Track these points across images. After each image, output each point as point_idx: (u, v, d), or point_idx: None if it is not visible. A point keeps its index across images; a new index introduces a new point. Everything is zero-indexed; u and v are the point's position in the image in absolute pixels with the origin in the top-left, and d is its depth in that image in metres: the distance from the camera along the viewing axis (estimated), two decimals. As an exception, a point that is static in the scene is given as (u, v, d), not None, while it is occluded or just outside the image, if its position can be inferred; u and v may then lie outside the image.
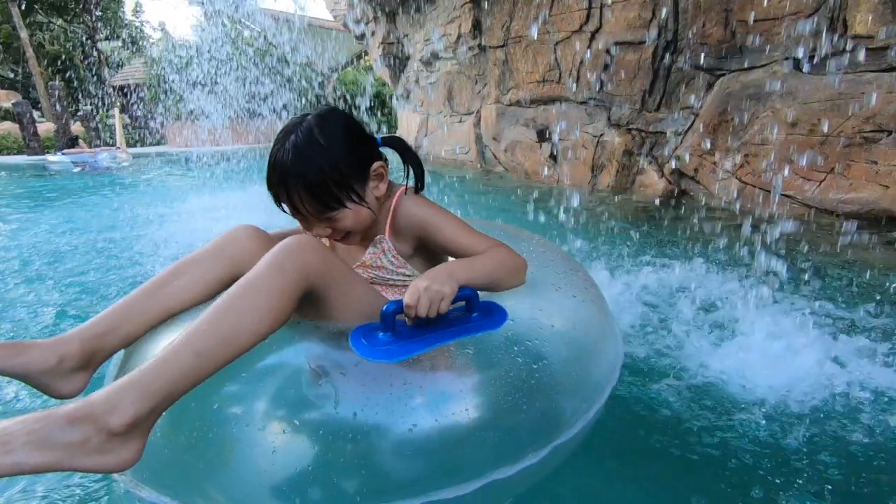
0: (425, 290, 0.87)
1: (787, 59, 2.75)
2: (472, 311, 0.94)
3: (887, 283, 1.93)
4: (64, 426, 0.66)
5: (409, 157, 1.12)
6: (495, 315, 0.93)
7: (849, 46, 2.50)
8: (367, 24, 8.16)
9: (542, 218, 3.08)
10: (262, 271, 0.83)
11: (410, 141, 7.86)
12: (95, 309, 1.96)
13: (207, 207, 4.29)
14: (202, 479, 0.77)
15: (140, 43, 19.06)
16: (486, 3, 4.91)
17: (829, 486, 0.98)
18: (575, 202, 3.38)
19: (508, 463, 0.83)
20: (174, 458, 0.79)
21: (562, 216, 3.08)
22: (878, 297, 1.81)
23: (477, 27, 5.13)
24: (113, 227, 3.73)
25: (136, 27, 19.72)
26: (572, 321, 1.03)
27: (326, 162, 0.98)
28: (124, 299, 0.94)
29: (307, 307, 0.89)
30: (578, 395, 0.95)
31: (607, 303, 1.22)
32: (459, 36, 5.37)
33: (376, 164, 1.05)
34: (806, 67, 2.67)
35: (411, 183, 1.11)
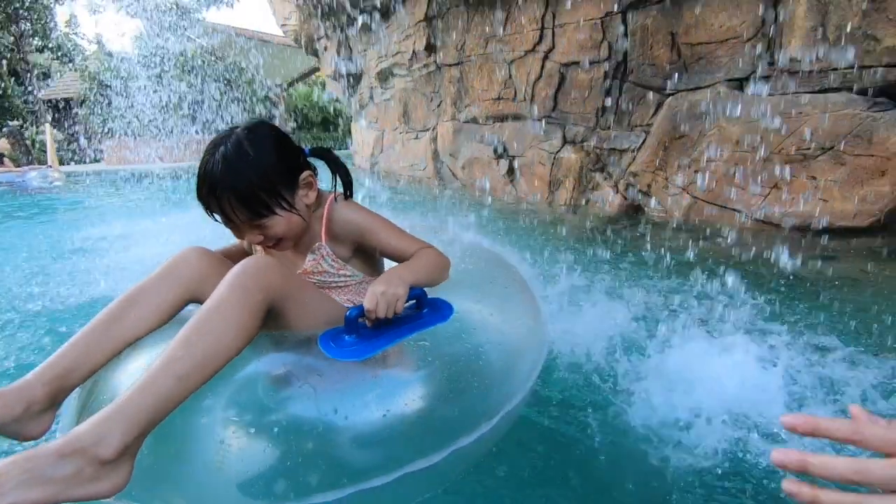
0: (382, 294, 0.97)
1: (729, 80, 2.89)
2: (423, 308, 1.06)
3: (830, 297, 2.03)
4: (55, 462, 0.69)
5: (337, 167, 1.20)
6: (443, 310, 1.06)
7: (786, 69, 2.65)
8: (318, 39, 8.06)
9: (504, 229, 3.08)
10: (226, 294, 0.87)
11: (367, 157, 7.81)
12: (23, 350, 1.77)
13: (150, 231, 4.01)
14: (183, 486, 0.82)
15: (74, 56, 18.05)
16: (440, 21, 4.94)
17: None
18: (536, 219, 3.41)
19: (466, 433, 0.96)
20: (158, 468, 0.84)
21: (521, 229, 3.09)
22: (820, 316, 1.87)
23: (431, 45, 5.15)
24: (43, 254, 3.42)
25: (70, 40, 18.67)
26: (505, 313, 1.20)
27: (256, 172, 1.03)
28: (81, 335, 0.95)
29: (269, 321, 0.94)
30: (513, 375, 1.10)
31: (535, 296, 1.38)
32: (414, 53, 5.37)
33: (305, 174, 1.12)
34: (748, 89, 2.81)
35: (341, 190, 1.20)
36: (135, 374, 0.89)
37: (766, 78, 2.73)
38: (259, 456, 0.83)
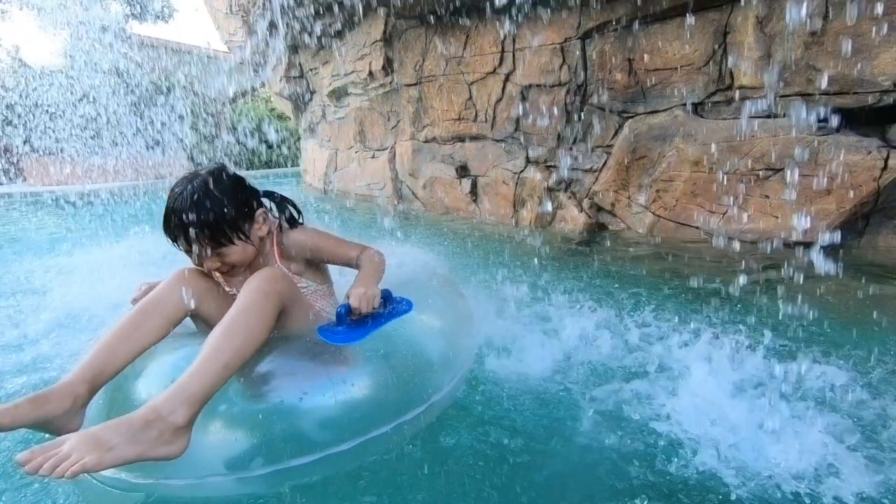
0: (363, 294, 1.25)
1: (684, 104, 3.05)
2: (389, 303, 1.35)
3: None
4: (143, 427, 0.92)
5: (287, 202, 1.46)
6: (405, 304, 1.37)
7: (736, 95, 2.83)
8: (266, 57, 7.84)
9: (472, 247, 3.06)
10: (252, 298, 1.12)
11: (320, 176, 7.62)
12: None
13: (87, 263, 3.55)
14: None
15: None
16: (398, 42, 4.94)
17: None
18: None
19: (412, 409, 1.23)
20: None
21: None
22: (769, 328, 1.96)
23: (388, 65, 5.13)
24: None
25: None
26: (442, 314, 1.51)
27: (219, 208, 1.24)
28: (105, 341, 1.13)
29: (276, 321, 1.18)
30: (448, 364, 1.39)
31: (466, 298, 1.69)
32: (370, 73, 5.33)
33: (259, 210, 1.36)
34: (704, 113, 2.98)
35: (290, 220, 1.46)
36: (153, 373, 1.14)
37: (720, 103, 2.90)
38: (246, 430, 1.08)
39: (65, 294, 2.58)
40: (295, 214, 1.47)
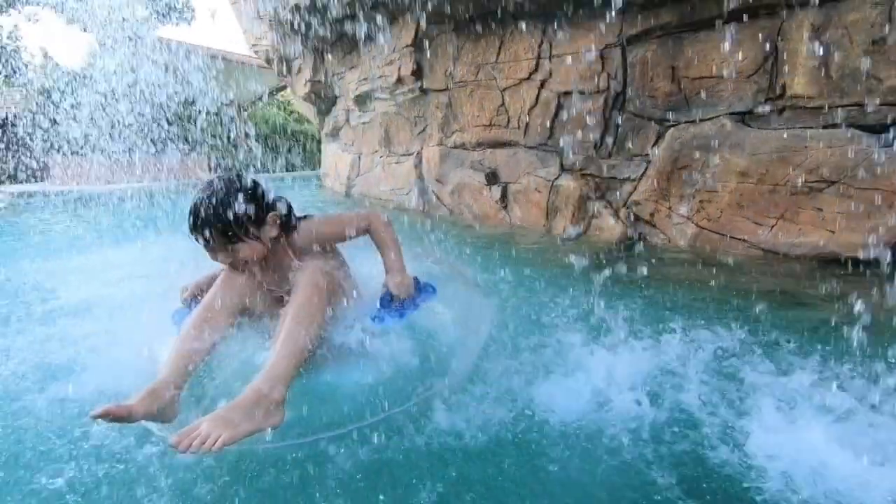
0: (400, 283, 1.58)
1: (730, 113, 2.97)
2: (419, 288, 1.62)
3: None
4: (254, 405, 1.14)
5: (289, 214, 1.62)
6: (430, 289, 1.65)
7: (788, 105, 2.75)
8: (292, 61, 7.88)
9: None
10: (311, 291, 1.38)
11: (342, 180, 7.62)
12: None
13: (110, 263, 3.50)
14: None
15: (16, 69, 16.96)
16: (428, 47, 4.92)
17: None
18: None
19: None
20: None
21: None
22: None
23: (418, 70, 5.11)
24: None
25: (12, 52, 17.54)
26: (458, 309, 1.74)
27: (232, 211, 1.42)
28: (183, 342, 1.34)
29: None
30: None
31: (481, 294, 1.90)
32: (399, 78, 5.31)
33: (271, 214, 1.53)
34: (752, 122, 2.90)
35: (298, 218, 1.65)
36: (221, 367, 1.43)
37: (770, 112, 2.82)
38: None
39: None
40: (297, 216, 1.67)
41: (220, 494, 1.16)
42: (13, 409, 1.54)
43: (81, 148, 11.41)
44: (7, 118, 13.11)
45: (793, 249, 2.74)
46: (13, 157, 12.69)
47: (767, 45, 2.78)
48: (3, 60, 16.99)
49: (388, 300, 1.52)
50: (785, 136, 2.73)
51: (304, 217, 1.66)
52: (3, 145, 12.74)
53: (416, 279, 1.62)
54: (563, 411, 1.41)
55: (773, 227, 2.81)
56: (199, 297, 1.56)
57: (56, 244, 4.84)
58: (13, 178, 12.84)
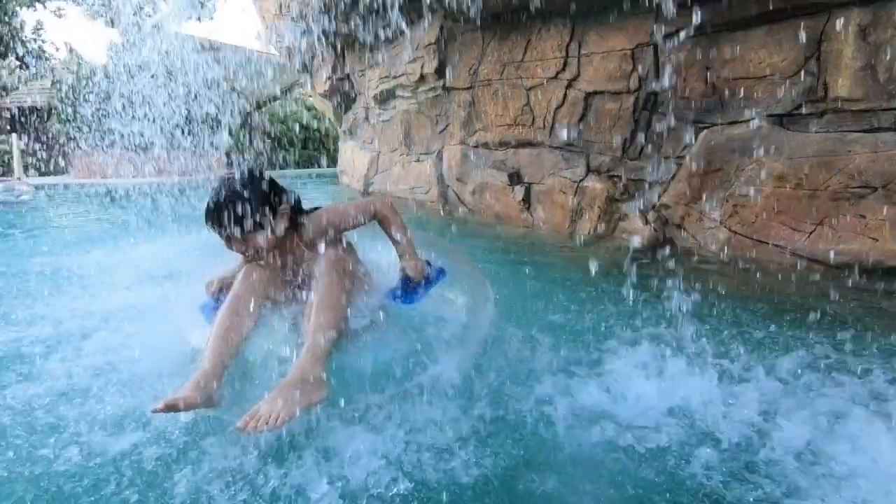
0: (415, 267, 1.72)
1: (770, 115, 2.88)
2: (431, 270, 1.76)
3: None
4: (302, 384, 1.30)
5: (297, 206, 1.70)
6: (441, 271, 1.80)
7: (830, 107, 2.65)
8: (312, 58, 7.89)
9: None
10: (334, 277, 1.53)
11: (359, 177, 7.61)
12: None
13: (135, 259, 3.47)
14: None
15: (41, 63, 17.24)
16: (452, 45, 4.87)
17: None
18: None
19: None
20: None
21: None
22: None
23: (441, 68, 5.07)
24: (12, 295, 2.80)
25: (37, 46, 17.85)
26: (465, 295, 1.86)
27: (252, 203, 1.53)
28: (219, 334, 1.45)
29: None
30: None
31: (487, 284, 1.97)
32: (422, 76, 5.28)
33: (283, 206, 1.62)
34: (790, 125, 2.81)
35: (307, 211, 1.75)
36: (253, 357, 1.53)
37: (811, 115, 2.73)
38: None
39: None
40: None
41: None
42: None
43: (103, 141, 11.56)
44: (30, 111, 13.33)
45: (832, 257, 2.65)
46: (39, 149, 12.90)
47: (810, 46, 2.70)
48: (28, 54, 17.29)
49: (406, 282, 1.68)
50: (826, 139, 2.64)
51: (313, 209, 1.75)
52: (27, 138, 12.95)
53: (427, 262, 1.76)
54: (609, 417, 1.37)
55: (811, 233, 2.72)
56: (225, 291, 1.67)
57: (84, 237, 4.89)
58: (38, 170, 13.05)
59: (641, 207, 3.53)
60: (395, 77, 5.80)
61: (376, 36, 5.66)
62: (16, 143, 9.12)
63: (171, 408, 1.24)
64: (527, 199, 4.34)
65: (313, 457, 1.29)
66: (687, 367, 1.62)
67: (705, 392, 1.49)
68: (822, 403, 1.43)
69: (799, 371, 1.64)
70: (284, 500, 1.16)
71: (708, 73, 3.10)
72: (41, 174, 12.86)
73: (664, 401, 1.44)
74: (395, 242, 1.77)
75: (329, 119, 11.82)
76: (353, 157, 8.10)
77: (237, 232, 1.53)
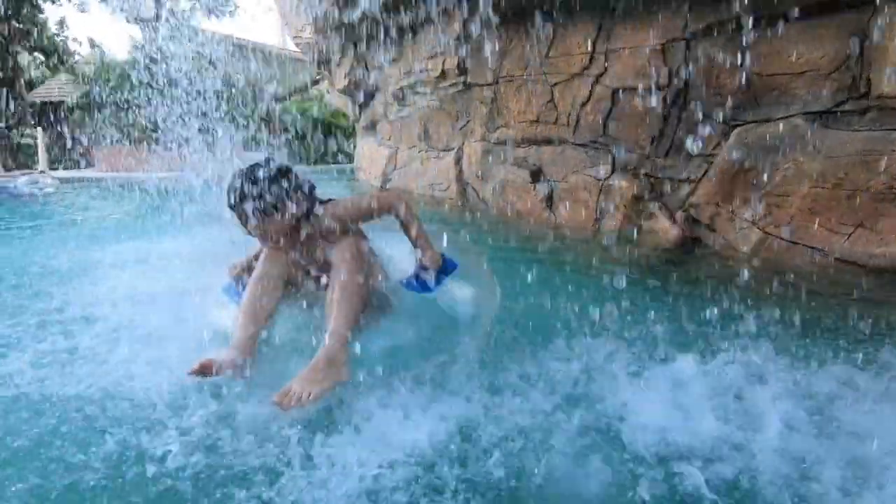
0: (431, 258, 1.80)
1: (806, 113, 2.79)
2: (444, 262, 1.85)
3: None
4: (328, 365, 1.45)
5: (312, 194, 1.76)
6: (454, 262, 1.88)
7: (874, 105, 2.56)
8: (332, 54, 7.89)
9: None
10: (351, 265, 1.62)
11: (377, 174, 7.60)
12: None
13: (160, 253, 3.45)
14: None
15: (65, 58, 17.55)
16: (474, 41, 4.82)
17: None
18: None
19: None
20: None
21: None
22: None
23: (462, 64, 5.02)
24: (37, 282, 2.87)
25: (61, 41, 18.17)
26: (470, 283, 1.96)
27: (269, 190, 1.61)
28: (247, 311, 1.61)
29: None
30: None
31: (492, 274, 2.08)
32: (443, 72, 5.23)
33: (300, 193, 1.69)
34: (829, 123, 2.71)
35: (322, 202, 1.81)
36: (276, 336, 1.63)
37: (851, 112, 2.63)
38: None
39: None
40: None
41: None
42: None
43: (126, 136, 11.73)
44: (54, 105, 13.57)
45: (871, 260, 2.56)
46: (61, 142, 13.14)
47: (851, 42, 2.60)
48: (53, 49, 17.61)
49: (422, 271, 1.80)
50: (869, 138, 2.54)
51: (329, 200, 1.83)
52: (51, 131, 13.20)
53: (443, 253, 1.87)
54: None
55: (849, 235, 2.63)
56: (246, 274, 1.80)
57: (109, 231, 4.94)
58: (63, 164, 13.30)
59: (669, 207, 3.45)
60: (416, 73, 5.77)
61: (397, 31, 5.64)
62: (41, 136, 9.29)
63: (205, 368, 1.38)
64: (549, 198, 4.28)
65: (345, 430, 1.40)
66: (732, 374, 1.57)
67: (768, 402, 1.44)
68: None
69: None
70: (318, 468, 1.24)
71: (742, 69, 3.01)
72: (66, 168, 13.10)
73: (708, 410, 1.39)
74: (409, 234, 1.84)
75: (347, 115, 11.85)
76: (370, 154, 8.09)
77: (256, 216, 1.61)
